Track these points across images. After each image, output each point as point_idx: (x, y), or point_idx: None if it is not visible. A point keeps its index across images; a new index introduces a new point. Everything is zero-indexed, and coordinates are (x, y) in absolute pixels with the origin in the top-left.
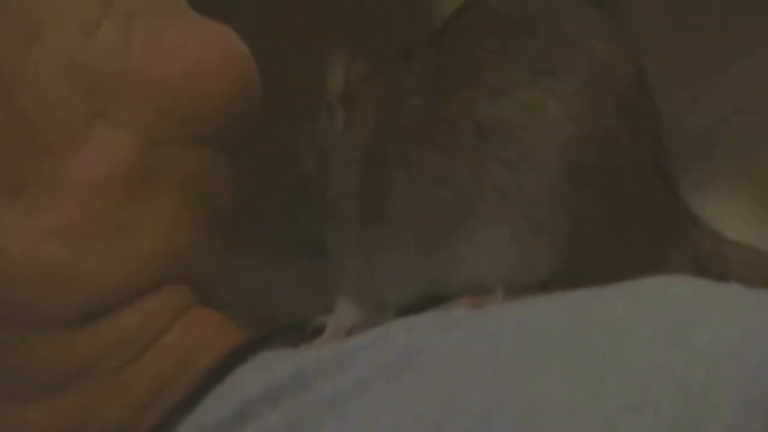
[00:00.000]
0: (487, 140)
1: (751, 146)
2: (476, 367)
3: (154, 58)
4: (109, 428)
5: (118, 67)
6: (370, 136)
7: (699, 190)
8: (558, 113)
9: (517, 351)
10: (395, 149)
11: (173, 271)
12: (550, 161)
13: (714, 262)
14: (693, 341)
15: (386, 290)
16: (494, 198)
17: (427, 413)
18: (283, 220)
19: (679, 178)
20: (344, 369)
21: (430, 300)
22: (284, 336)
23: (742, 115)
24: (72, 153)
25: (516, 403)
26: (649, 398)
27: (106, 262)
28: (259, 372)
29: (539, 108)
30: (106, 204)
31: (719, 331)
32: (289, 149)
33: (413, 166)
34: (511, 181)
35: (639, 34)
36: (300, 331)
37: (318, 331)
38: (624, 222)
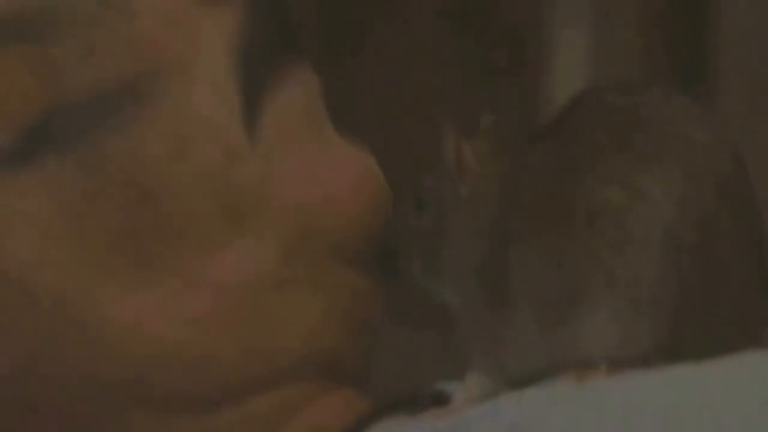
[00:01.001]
0: (598, 225)
1: None
2: None
3: (291, 187)
4: None
5: (255, 193)
6: (494, 211)
7: None
8: (661, 197)
9: (624, 424)
10: (519, 228)
11: (313, 363)
12: (652, 242)
13: None
14: None
15: (512, 364)
16: (602, 280)
17: None
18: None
19: None
20: None
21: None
22: (407, 405)
23: None
24: (212, 254)
25: None
26: None
27: (237, 354)
28: None
29: (644, 192)
30: (242, 302)
31: None
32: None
33: (534, 246)
34: (616, 263)
35: (732, 122)
36: (422, 400)
37: (439, 400)
38: (721, 300)
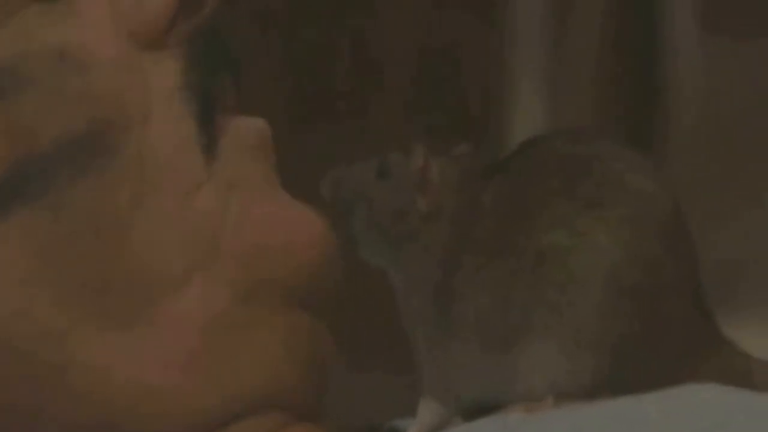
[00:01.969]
0: (545, 265)
1: None
2: None
3: (246, 227)
4: None
5: (213, 230)
6: (449, 240)
7: (728, 316)
8: (605, 241)
9: None
10: (471, 260)
11: (272, 400)
12: (595, 283)
13: (742, 378)
14: None
15: (459, 387)
16: (547, 314)
17: None
18: None
19: (712, 304)
20: None
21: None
22: None
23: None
24: (174, 296)
25: None
26: None
27: (202, 393)
28: None
29: (588, 236)
30: (206, 344)
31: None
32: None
33: (485, 280)
34: (561, 300)
35: (677, 175)
36: None
37: None
38: (661, 338)
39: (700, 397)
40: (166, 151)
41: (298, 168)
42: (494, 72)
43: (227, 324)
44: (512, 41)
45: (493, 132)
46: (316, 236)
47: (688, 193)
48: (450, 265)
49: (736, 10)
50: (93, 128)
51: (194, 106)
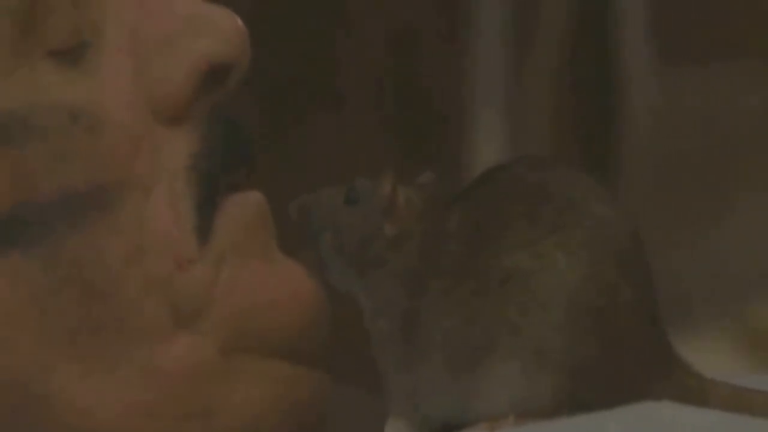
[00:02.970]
0: (507, 286)
1: (727, 307)
2: None
3: (236, 293)
4: None
5: (201, 297)
6: (415, 265)
7: (683, 336)
8: (564, 263)
9: None
10: (436, 284)
11: None
12: (556, 304)
13: (697, 397)
14: None
15: (426, 406)
16: (509, 335)
17: None
18: None
19: (666, 324)
20: None
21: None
22: None
23: (719, 278)
24: (159, 348)
25: None
26: None
27: None
28: None
29: (548, 257)
30: (190, 391)
31: None
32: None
33: (450, 302)
34: (523, 321)
35: (632, 197)
36: None
37: None
38: (618, 359)
39: (658, 414)
40: (163, 224)
41: (272, 175)
42: (455, 99)
43: (210, 373)
44: (473, 71)
45: (453, 158)
46: (303, 294)
47: (643, 215)
48: (416, 290)
49: (689, 37)
50: (96, 186)
51: (196, 190)
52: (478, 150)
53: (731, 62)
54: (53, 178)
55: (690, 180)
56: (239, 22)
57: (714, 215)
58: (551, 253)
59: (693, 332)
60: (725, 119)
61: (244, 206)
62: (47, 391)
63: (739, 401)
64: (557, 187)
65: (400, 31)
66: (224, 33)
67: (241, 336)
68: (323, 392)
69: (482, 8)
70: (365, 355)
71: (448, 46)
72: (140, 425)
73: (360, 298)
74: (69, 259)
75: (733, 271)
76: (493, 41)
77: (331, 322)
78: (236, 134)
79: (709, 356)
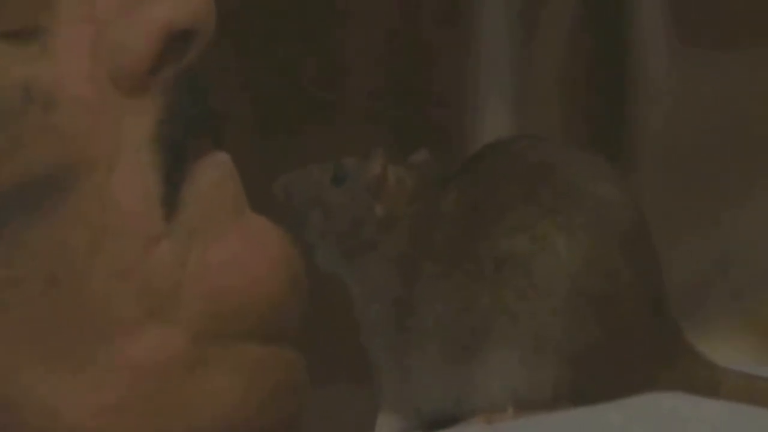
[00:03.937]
0: (504, 271)
1: (742, 295)
2: None
3: (204, 274)
4: None
5: (171, 280)
6: (408, 248)
7: (696, 325)
8: (565, 246)
9: None
10: (430, 268)
11: None
12: (556, 291)
13: (707, 387)
14: None
15: (419, 398)
16: (507, 322)
17: None
18: None
19: (678, 313)
20: None
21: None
22: None
23: (736, 267)
24: (129, 341)
25: None
26: None
27: None
28: None
29: (548, 239)
30: (162, 386)
31: None
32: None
33: (445, 287)
34: (521, 307)
35: (645, 182)
36: None
37: None
38: (621, 347)
39: (663, 405)
40: (128, 201)
41: (262, 177)
42: (458, 75)
43: (183, 365)
44: (477, 44)
45: (456, 139)
46: (276, 266)
47: (657, 202)
48: (409, 274)
49: (707, 19)
50: (54, 168)
51: (161, 159)
52: (480, 130)
53: (751, 47)
54: (8, 164)
55: (707, 167)
56: None
57: (731, 202)
58: (550, 235)
59: (708, 322)
60: (744, 105)
61: (212, 167)
62: (11, 393)
63: (753, 391)
64: (559, 167)
65: (403, 10)
66: None
67: (214, 321)
68: (303, 374)
69: None
70: (354, 344)
71: (452, 20)
72: (112, 425)
73: (349, 283)
74: (28, 251)
75: (751, 259)
76: (499, 13)
77: (311, 294)
78: (201, 98)
79: (724, 347)
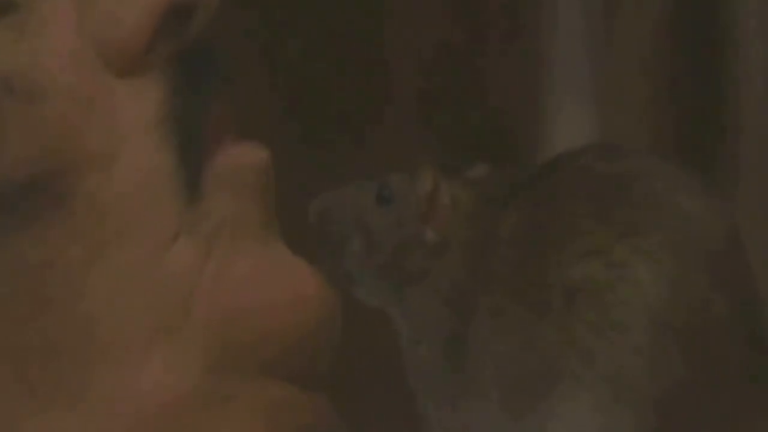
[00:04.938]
0: (576, 305)
1: None
2: None
3: (222, 288)
4: None
5: (186, 292)
6: (462, 279)
7: None
8: (646, 272)
9: None
10: (487, 300)
11: None
12: (637, 326)
13: None
14: None
15: None
16: (579, 363)
17: None
18: None
19: None
20: None
21: None
22: None
23: None
24: (136, 368)
25: None
26: None
27: None
28: None
29: (626, 266)
30: (169, 422)
31: None
32: None
33: (505, 323)
34: (596, 345)
35: (747, 198)
36: None
37: None
38: (712, 388)
39: None
40: (137, 196)
41: (295, 194)
42: (528, 78)
43: (195, 402)
44: (551, 42)
45: (525, 152)
46: (306, 296)
47: (758, 219)
48: (463, 308)
49: None
50: (41, 170)
51: (176, 139)
52: (554, 141)
53: None
54: None
55: None
56: None
57: None
58: (628, 260)
59: None
60: None
61: (242, 161)
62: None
63: None
64: (636, 180)
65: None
66: None
67: (231, 348)
68: (332, 422)
69: None
70: (401, 390)
71: (517, 13)
72: None
73: (395, 319)
74: (17, 268)
75: None
76: (576, 6)
77: (343, 335)
78: (211, 66)
79: None
